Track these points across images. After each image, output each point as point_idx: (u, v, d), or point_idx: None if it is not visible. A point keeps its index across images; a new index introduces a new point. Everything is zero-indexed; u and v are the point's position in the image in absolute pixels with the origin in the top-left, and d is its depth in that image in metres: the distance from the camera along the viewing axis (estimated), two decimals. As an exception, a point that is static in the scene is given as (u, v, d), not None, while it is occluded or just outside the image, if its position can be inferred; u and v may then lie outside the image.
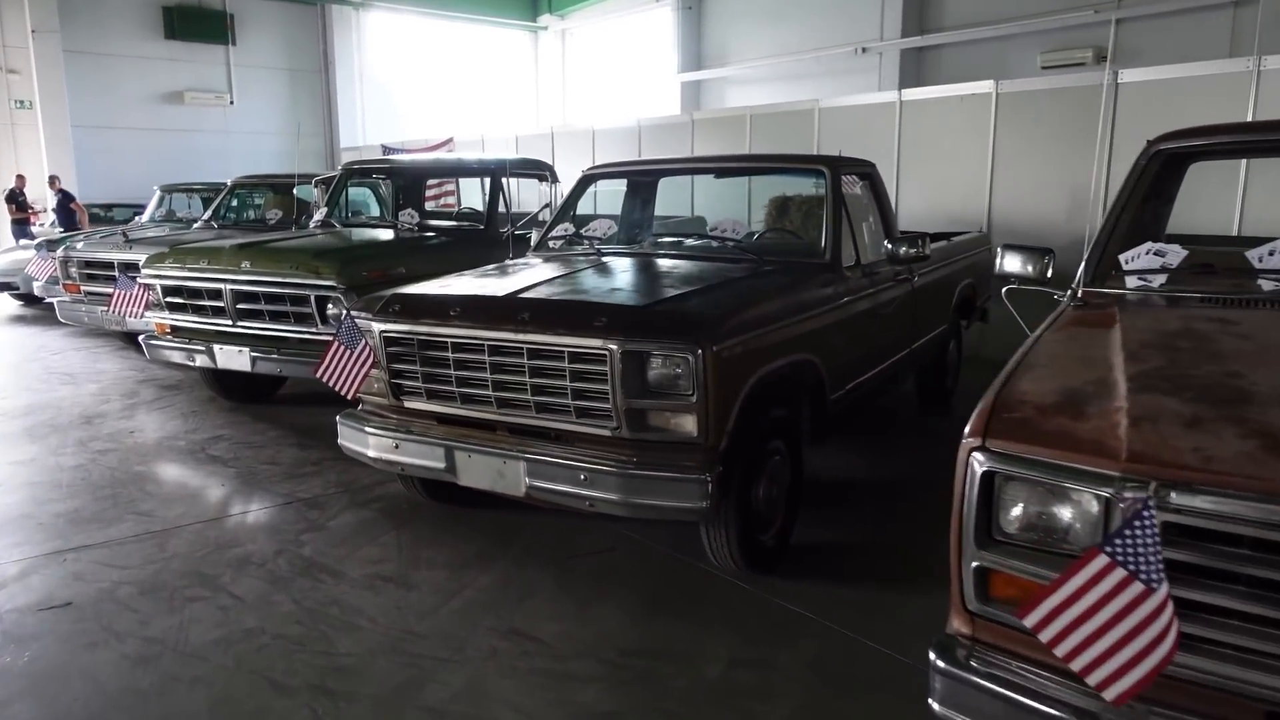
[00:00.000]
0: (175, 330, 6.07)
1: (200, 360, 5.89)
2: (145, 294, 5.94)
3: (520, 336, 3.39)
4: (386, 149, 17.44)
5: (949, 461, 1.98)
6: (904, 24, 16.28)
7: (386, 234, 6.43)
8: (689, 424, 3.22)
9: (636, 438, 3.28)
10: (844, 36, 17.43)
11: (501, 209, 6.52)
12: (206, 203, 12.00)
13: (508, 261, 4.75)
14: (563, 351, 3.32)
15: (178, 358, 6.06)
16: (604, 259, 4.47)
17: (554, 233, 5.01)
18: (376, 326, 3.77)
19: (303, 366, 5.45)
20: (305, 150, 21.69)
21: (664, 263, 4.35)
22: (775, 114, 10.57)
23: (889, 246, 4.47)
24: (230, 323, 5.70)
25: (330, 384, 3.76)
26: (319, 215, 7.03)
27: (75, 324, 8.65)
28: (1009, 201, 8.05)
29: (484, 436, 3.61)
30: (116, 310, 5.94)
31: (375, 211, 9.11)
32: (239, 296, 5.62)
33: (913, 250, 4.41)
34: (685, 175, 6.75)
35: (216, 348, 5.73)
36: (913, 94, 8.90)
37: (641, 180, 5.43)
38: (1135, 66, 7.61)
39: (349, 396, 3.80)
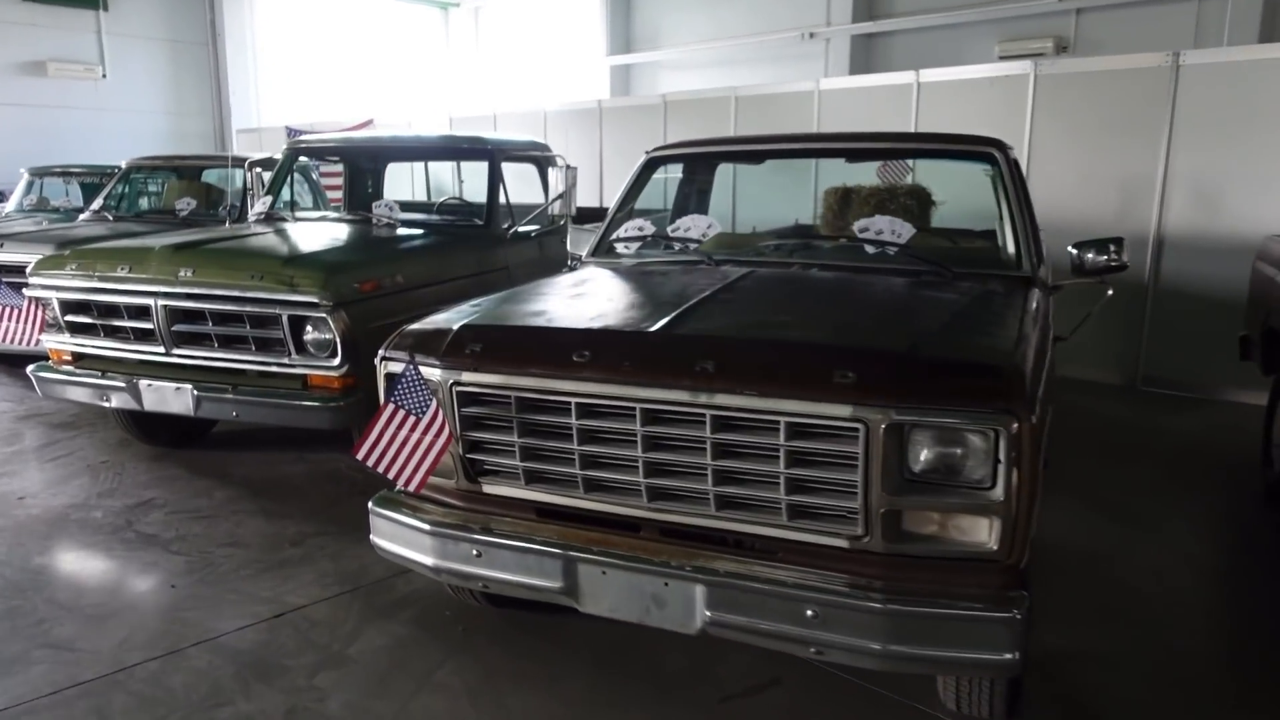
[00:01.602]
0: (80, 358, 4.55)
1: (118, 400, 4.39)
2: (38, 310, 4.39)
3: (703, 399, 2.21)
4: (292, 131, 15.55)
5: None
6: (854, 9, 15.56)
7: (357, 232, 5.03)
8: (981, 530, 2.12)
9: (894, 551, 2.16)
10: (789, 21, 16.62)
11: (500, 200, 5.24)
12: (87, 189, 10.14)
13: (581, 273, 3.52)
14: (776, 422, 2.16)
15: (84, 396, 4.54)
16: (732, 271, 3.30)
17: (620, 233, 3.80)
18: (446, 377, 2.50)
19: (269, 409, 4.08)
20: (189, 131, 19.45)
21: (823, 277, 3.23)
22: (763, 96, 9.54)
23: (1074, 253, 3.47)
24: (162, 350, 4.24)
25: (385, 471, 2.47)
26: (259, 206, 5.55)
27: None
28: (1055, 193, 7.26)
29: (623, 543, 2.41)
30: (4, 335, 4.36)
31: (309, 201, 7.62)
32: (175, 315, 4.17)
33: (1104, 259, 3.43)
34: (805, 158, 5.45)
35: (143, 384, 4.26)
36: (934, 75, 8.02)
37: (714, 164, 4.27)
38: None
39: (416, 489, 2.52)
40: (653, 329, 2.43)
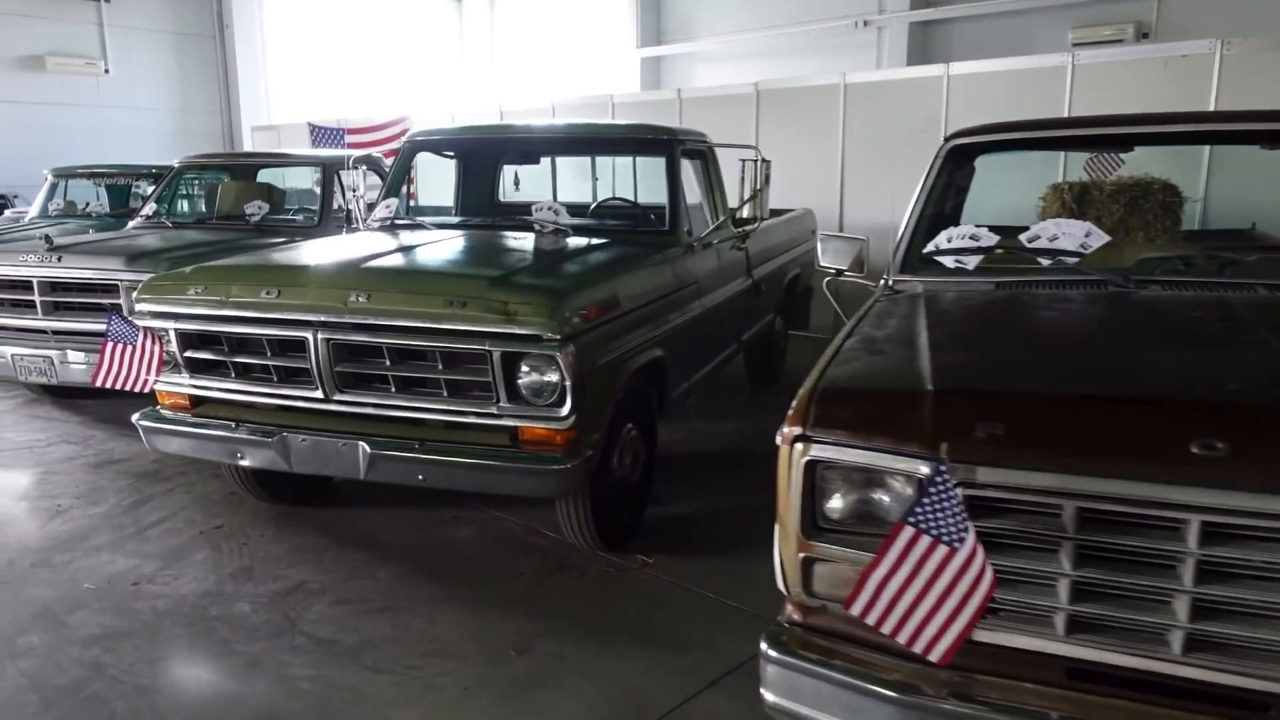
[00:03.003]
0: (199, 404, 3.62)
1: (258, 458, 3.47)
2: (154, 345, 3.45)
3: None
4: (316, 128, 14.53)
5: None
6: (913, -7, 14.77)
7: (530, 242, 4.10)
8: None
9: None
10: (838, 8, 15.77)
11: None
12: (114, 191, 9.16)
13: (943, 302, 2.64)
14: None
15: (210, 452, 3.61)
16: (1168, 295, 2.44)
17: (942, 242, 2.92)
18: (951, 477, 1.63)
19: (468, 472, 3.18)
20: (195, 129, 18.37)
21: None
22: (786, 90, 8.94)
23: None
24: (319, 395, 3.32)
25: (907, 639, 1.59)
26: (381, 210, 4.62)
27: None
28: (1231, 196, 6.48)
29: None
30: (111, 376, 3.41)
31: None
32: (341, 352, 3.25)
33: None
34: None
35: (296, 439, 3.34)
36: (965, 68, 7.32)
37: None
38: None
39: (942, 660, 1.63)
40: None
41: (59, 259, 5.26)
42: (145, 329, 3.43)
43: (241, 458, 3.50)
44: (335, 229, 6.42)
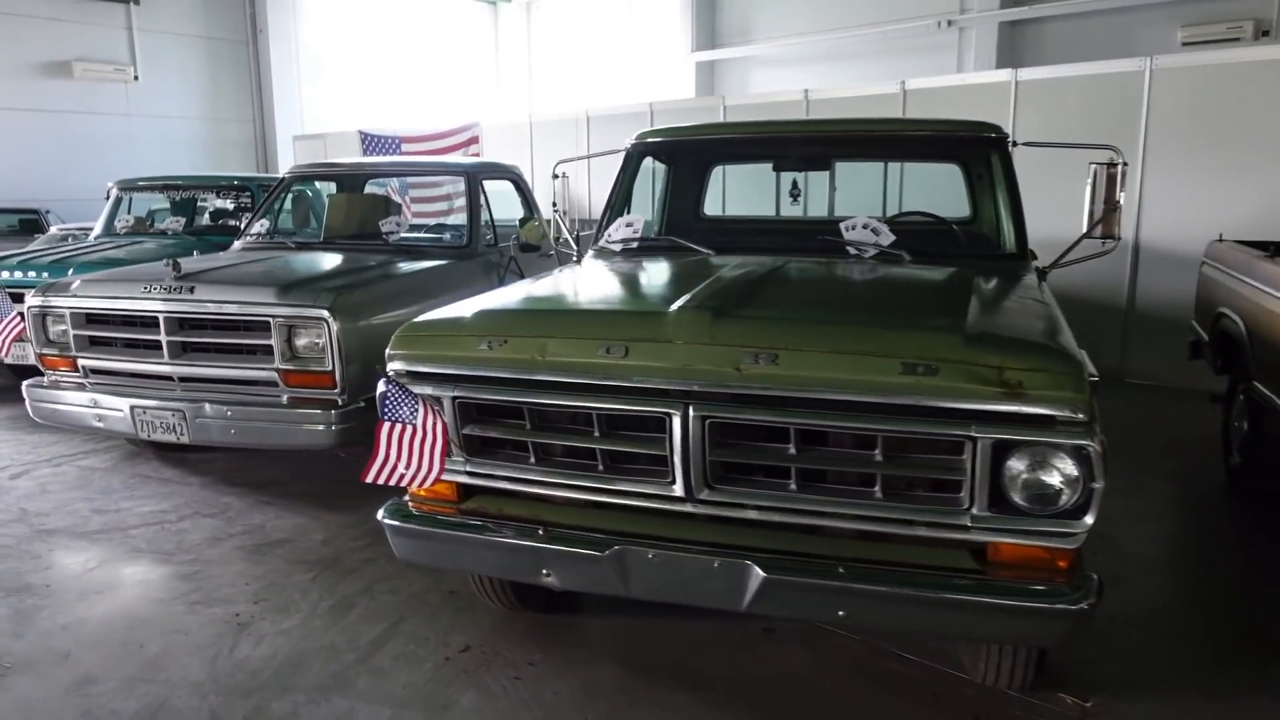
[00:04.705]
0: (472, 495, 2.64)
1: (573, 577, 2.49)
2: (440, 425, 2.46)
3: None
4: (367, 137, 13.57)
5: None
6: (1003, -9, 13.93)
7: (875, 270, 3.12)
8: None
9: None
10: (916, 8, 14.92)
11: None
12: (179, 206, 8.18)
13: None
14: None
15: (497, 568, 2.63)
16: None
17: None
18: None
19: (927, 611, 2.22)
20: (227, 139, 17.41)
21: None
22: (839, 99, 8.34)
23: None
24: (679, 492, 2.35)
25: None
26: (620, 230, 3.67)
27: (57, 424, 4.81)
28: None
29: None
30: (388, 469, 2.39)
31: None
32: (719, 435, 2.29)
33: None
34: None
35: (639, 556, 2.36)
36: (1033, 74, 6.87)
37: None
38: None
39: None
40: None
41: (191, 290, 4.29)
42: (425, 402, 2.45)
43: (548, 575, 2.52)
44: (485, 250, 5.48)
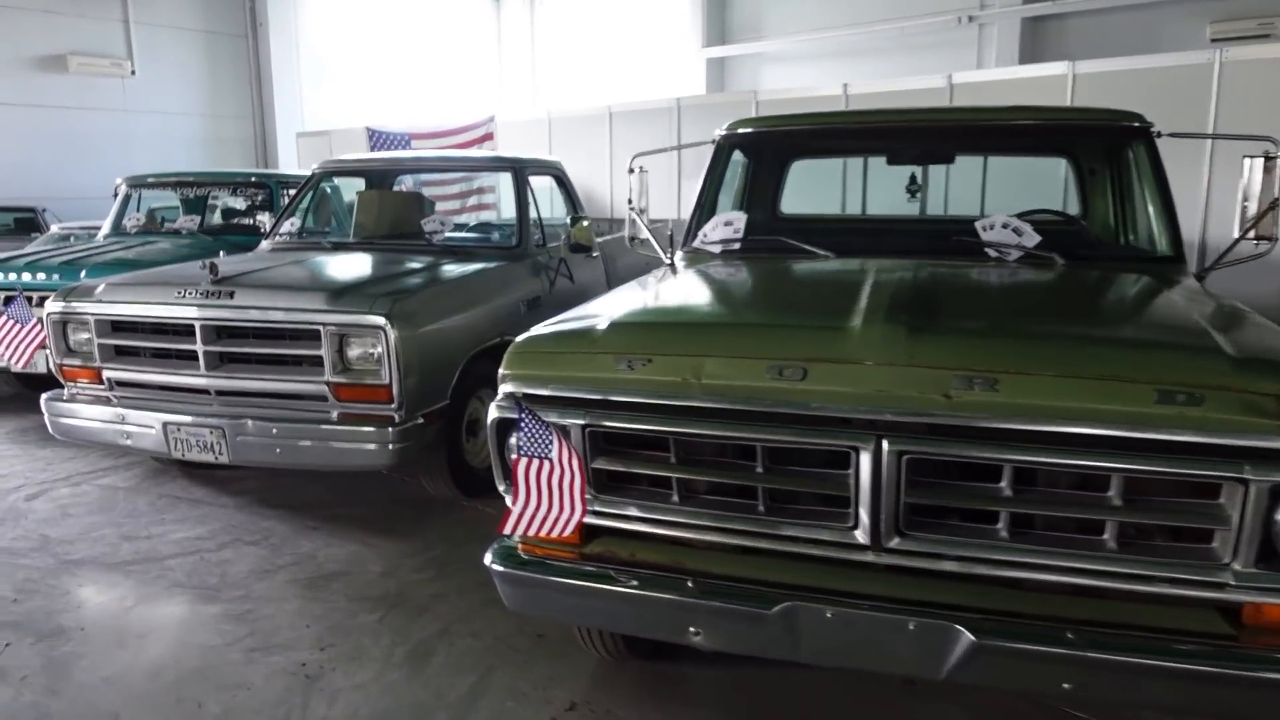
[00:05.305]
0: (592, 536, 2.28)
1: (729, 638, 2.13)
2: (576, 460, 2.09)
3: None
4: (374, 133, 13.14)
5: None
6: (1025, -13, 13.65)
7: (1031, 275, 2.77)
8: None
9: None
10: (933, 4, 14.62)
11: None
12: (190, 204, 7.76)
13: None
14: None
15: (639, 626, 2.26)
16: None
17: None
18: None
19: (1177, 686, 1.87)
20: (226, 136, 16.93)
21: None
22: (881, 94, 8.05)
23: None
24: (862, 539, 1.99)
25: None
26: (719, 229, 3.30)
27: (78, 440, 4.41)
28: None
29: None
30: (528, 515, 2.04)
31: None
32: (917, 473, 1.93)
33: None
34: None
35: (815, 614, 2.01)
36: (1092, 66, 6.74)
37: None
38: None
39: None
40: None
41: (230, 295, 3.90)
42: (555, 430, 2.07)
43: (696, 635, 2.16)
44: (535, 251, 5.10)
